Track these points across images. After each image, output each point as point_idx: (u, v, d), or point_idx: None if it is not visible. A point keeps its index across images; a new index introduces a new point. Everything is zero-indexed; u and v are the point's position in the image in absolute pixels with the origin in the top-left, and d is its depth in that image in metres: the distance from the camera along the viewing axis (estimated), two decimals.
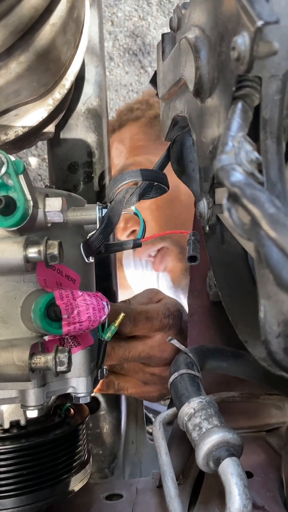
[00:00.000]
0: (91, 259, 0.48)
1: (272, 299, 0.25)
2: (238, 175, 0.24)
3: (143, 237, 0.49)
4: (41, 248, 0.37)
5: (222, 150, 0.25)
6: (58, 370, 0.38)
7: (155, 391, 0.69)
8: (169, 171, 0.49)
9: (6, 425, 0.44)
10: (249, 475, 0.47)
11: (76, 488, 0.46)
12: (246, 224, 0.23)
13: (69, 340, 0.44)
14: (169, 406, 0.75)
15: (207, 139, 0.35)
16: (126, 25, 1.78)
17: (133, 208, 0.49)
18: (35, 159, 1.81)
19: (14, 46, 0.36)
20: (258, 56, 0.25)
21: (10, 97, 0.39)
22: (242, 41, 0.25)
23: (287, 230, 0.21)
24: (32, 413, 0.41)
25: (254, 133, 0.28)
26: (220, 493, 0.45)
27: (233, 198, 0.24)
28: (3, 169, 0.37)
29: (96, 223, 0.46)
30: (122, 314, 0.49)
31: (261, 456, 0.51)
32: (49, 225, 0.42)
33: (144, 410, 0.81)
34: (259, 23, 0.24)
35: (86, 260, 0.47)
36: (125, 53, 1.83)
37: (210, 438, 0.34)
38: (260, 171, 0.27)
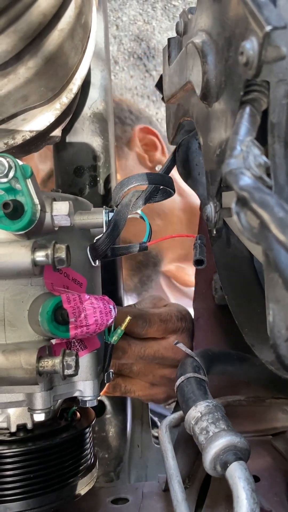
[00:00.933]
0: (98, 263, 0.49)
1: (280, 303, 0.25)
2: (246, 179, 0.24)
3: (149, 241, 0.49)
4: (49, 251, 0.37)
5: (231, 154, 0.26)
6: (65, 373, 0.38)
7: (162, 393, 0.70)
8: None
9: (13, 429, 0.44)
10: (256, 479, 0.47)
11: (83, 492, 0.46)
12: (255, 228, 0.23)
13: (76, 343, 0.44)
14: (175, 410, 0.75)
15: (214, 143, 0.35)
16: (131, 29, 1.79)
17: (139, 211, 0.49)
18: None
19: (23, 52, 0.36)
20: (266, 60, 0.25)
21: (18, 102, 0.40)
22: (250, 46, 0.25)
23: None
24: (39, 417, 0.41)
25: (262, 137, 0.29)
26: (227, 497, 0.45)
27: (242, 202, 0.24)
28: (11, 173, 0.38)
29: (102, 227, 0.46)
30: (129, 318, 0.49)
31: (268, 460, 0.51)
32: (56, 228, 0.42)
33: (150, 413, 0.81)
34: (268, 28, 0.24)
35: (93, 264, 0.47)
36: (130, 57, 1.83)
37: (217, 441, 0.34)
38: (269, 175, 0.27)
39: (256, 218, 0.23)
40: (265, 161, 0.25)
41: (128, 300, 1.24)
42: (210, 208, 0.37)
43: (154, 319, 0.64)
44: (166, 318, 0.66)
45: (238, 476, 0.32)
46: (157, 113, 1.79)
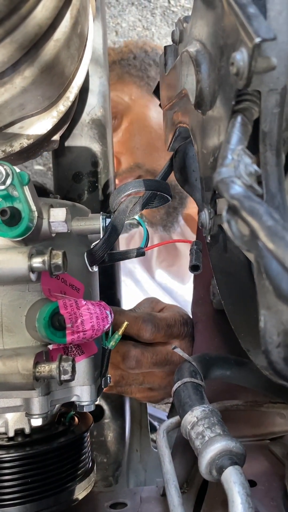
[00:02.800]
0: (95, 268, 0.49)
1: (272, 310, 0.26)
2: (237, 188, 0.24)
3: (147, 246, 0.50)
4: (46, 258, 0.38)
5: (222, 163, 0.26)
6: (62, 378, 0.38)
7: (159, 395, 0.70)
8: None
9: (11, 433, 0.44)
10: (252, 483, 0.47)
11: (81, 497, 0.46)
12: (245, 236, 0.24)
13: (73, 349, 0.45)
14: (169, 414, 0.75)
15: (208, 150, 0.35)
16: (130, 35, 1.80)
17: (136, 217, 0.49)
18: (40, 168, 1.82)
19: (19, 62, 0.37)
20: (257, 71, 0.26)
21: (15, 110, 0.40)
22: (240, 57, 0.26)
23: (285, 242, 0.21)
24: (37, 422, 0.42)
25: (253, 145, 0.29)
26: (223, 502, 0.45)
27: (233, 210, 0.24)
28: (8, 181, 0.38)
29: (100, 233, 0.46)
30: (126, 323, 0.49)
31: (265, 464, 0.51)
32: (53, 235, 0.42)
33: (149, 418, 0.81)
34: (257, 40, 0.25)
35: (90, 269, 0.48)
36: None
37: (212, 446, 0.34)
38: (259, 183, 0.27)
39: (247, 226, 0.23)
40: (256, 169, 0.26)
41: (153, 237, 1.28)
42: (205, 215, 0.38)
43: (161, 324, 0.64)
44: (171, 323, 0.66)
45: (233, 481, 0.33)
46: None
